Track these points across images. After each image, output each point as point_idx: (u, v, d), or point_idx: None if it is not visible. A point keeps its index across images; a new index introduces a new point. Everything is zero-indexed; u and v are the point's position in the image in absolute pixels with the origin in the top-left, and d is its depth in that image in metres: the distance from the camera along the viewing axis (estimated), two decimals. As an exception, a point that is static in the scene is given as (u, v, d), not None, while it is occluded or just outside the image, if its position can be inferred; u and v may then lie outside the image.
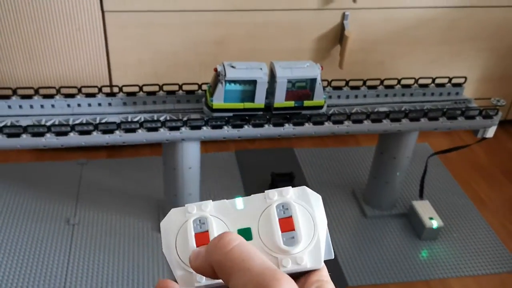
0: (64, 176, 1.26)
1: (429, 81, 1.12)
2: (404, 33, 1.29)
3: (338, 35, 1.25)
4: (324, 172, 1.34)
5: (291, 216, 0.29)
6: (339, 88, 1.08)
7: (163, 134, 0.95)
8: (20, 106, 0.98)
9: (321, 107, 0.98)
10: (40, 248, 1.06)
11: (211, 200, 0.31)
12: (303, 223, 0.29)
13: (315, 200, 0.30)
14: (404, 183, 1.28)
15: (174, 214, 0.31)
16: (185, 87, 1.03)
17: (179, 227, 0.30)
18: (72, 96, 1.00)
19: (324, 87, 0.97)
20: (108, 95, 1.01)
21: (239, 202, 0.31)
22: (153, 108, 1.02)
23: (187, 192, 1.08)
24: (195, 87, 1.02)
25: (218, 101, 0.93)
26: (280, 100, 0.95)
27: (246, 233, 0.30)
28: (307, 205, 0.30)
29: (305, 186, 0.31)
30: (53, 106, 0.99)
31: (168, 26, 1.16)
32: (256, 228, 0.30)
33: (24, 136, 0.91)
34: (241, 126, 0.97)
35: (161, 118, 0.97)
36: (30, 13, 1.08)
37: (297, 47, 1.25)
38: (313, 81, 0.93)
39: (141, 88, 1.02)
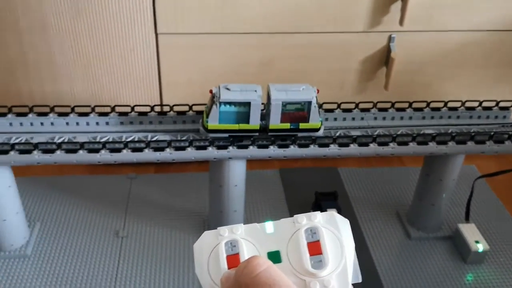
0: (114, 190, 1.31)
1: (476, 104, 1.12)
2: (450, 56, 1.29)
3: (384, 57, 1.26)
4: (368, 192, 1.34)
5: (318, 240, 0.30)
6: (384, 110, 1.09)
7: (211, 152, 0.98)
8: (77, 123, 1.04)
9: (317, 129, 0.99)
10: (91, 259, 1.11)
11: (242, 224, 0.32)
12: (331, 247, 0.30)
13: (343, 224, 0.31)
14: (450, 205, 1.26)
15: (207, 237, 0.32)
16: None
17: (211, 249, 0.32)
18: (125, 114, 1.05)
19: (319, 110, 0.98)
20: (159, 113, 1.06)
21: (269, 226, 0.32)
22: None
23: (232, 209, 1.11)
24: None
25: (213, 122, 0.96)
26: (275, 122, 0.97)
27: (275, 256, 0.31)
28: (334, 230, 0.31)
29: (333, 211, 0.32)
30: (107, 123, 1.05)
31: (216, 47, 1.20)
32: (285, 251, 0.31)
33: (81, 152, 0.96)
34: (287, 146, 0.99)
35: (209, 137, 1.00)
36: (89, 35, 1.14)
37: (342, 68, 1.27)
38: (308, 104, 0.95)
39: (190, 108, 1.06)
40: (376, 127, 1.06)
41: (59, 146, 0.95)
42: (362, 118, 1.09)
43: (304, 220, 0.31)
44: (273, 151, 0.99)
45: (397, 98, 1.10)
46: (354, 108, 1.09)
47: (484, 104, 1.12)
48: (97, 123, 1.04)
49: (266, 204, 1.28)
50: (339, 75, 1.28)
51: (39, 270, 1.07)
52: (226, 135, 0.98)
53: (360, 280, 0.30)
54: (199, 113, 1.05)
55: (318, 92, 0.96)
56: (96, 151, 0.96)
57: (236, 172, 1.04)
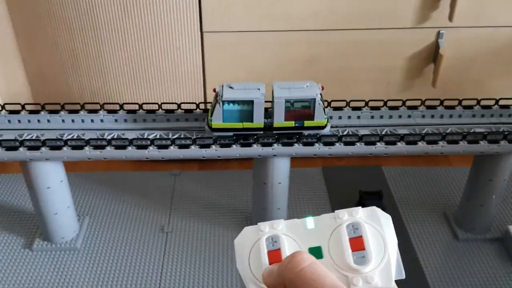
0: (159, 186, 1.33)
1: (530, 101, 1.08)
2: (501, 52, 1.25)
3: (432, 54, 1.23)
4: (414, 192, 1.31)
5: (361, 236, 0.30)
6: (433, 107, 1.06)
7: (256, 149, 0.99)
8: (125, 120, 1.06)
9: (322, 127, 0.96)
10: (137, 253, 1.13)
11: (282, 219, 0.32)
12: (373, 243, 0.30)
13: (385, 220, 0.31)
14: (500, 206, 1.22)
15: (247, 232, 0.32)
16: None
17: (252, 245, 0.32)
18: (171, 111, 1.07)
19: (325, 107, 0.95)
20: (204, 111, 1.07)
21: (309, 221, 0.32)
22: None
23: (275, 207, 1.11)
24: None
25: (217, 121, 0.95)
26: (279, 120, 0.95)
27: (317, 252, 0.31)
28: (377, 225, 0.30)
29: (375, 207, 0.31)
30: (154, 120, 1.06)
31: (262, 45, 1.20)
32: (327, 247, 0.30)
33: (129, 148, 0.98)
34: (332, 144, 0.98)
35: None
36: (137, 34, 1.17)
37: (389, 65, 1.25)
38: (313, 101, 0.93)
39: (235, 105, 1.06)
40: (424, 125, 1.04)
41: (109, 142, 0.98)
42: (409, 116, 1.07)
43: (346, 215, 0.31)
44: (318, 148, 0.98)
45: (445, 96, 1.08)
46: (401, 106, 1.07)
47: (538, 101, 1.07)
48: (144, 120, 1.06)
49: (309, 202, 1.28)
50: (385, 72, 1.26)
51: (88, 263, 1.11)
52: (231, 133, 0.98)
53: (403, 277, 0.29)
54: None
55: (323, 89, 0.95)
56: (145, 147, 0.98)
57: (280, 169, 1.04)
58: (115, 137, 1.00)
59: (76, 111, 1.05)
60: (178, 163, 1.40)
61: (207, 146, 0.99)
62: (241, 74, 1.24)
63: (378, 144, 0.98)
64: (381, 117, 1.07)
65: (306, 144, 0.98)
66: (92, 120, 1.05)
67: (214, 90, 0.95)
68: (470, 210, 1.14)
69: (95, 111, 1.05)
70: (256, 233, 0.32)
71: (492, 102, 1.07)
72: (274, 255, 0.31)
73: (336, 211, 0.31)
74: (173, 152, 0.98)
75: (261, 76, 1.25)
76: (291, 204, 1.25)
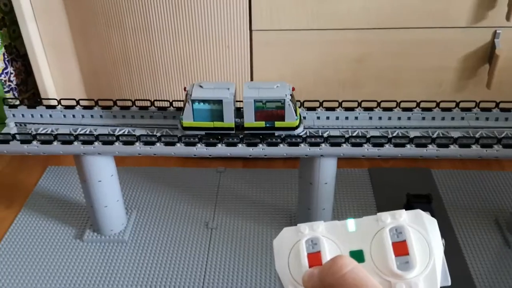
0: (204, 182, 1.35)
1: None
2: None
3: (488, 54, 1.18)
4: (464, 196, 1.27)
5: (405, 240, 0.29)
6: (488, 109, 1.03)
7: (304, 149, 0.98)
8: (174, 117, 1.08)
9: (294, 128, 0.96)
10: (183, 247, 1.15)
11: (322, 221, 0.31)
12: (418, 248, 0.28)
13: (431, 224, 0.29)
14: (557, 215, 1.17)
15: (287, 233, 0.31)
16: (325, 104, 1.06)
17: (291, 246, 0.31)
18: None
19: (296, 108, 0.94)
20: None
21: (351, 224, 0.31)
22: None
23: (320, 207, 1.10)
24: (354, 104, 1.04)
25: (187, 120, 0.96)
26: (250, 120, 0.95)
27: (358, 256, 0.30)
28: (421, 229, 0.29)
29: (419, 210, 0.30)
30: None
31: (310, 44, 1.20)
32: (369, 250, 0.29)
33: (178, 145, 1.00)
34: (381, 145, 0.97)
35: (302, 134, 1.00)
36: (187, 33, 1.18)
37: (441, 65, 1.21)
38: (282, 102, 0.92)
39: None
40: (478, 127, 1.01)
41: (159, 139, 0.99)
42: (463, 118, 1.03)
43: (389, 218, 0.30)
44: (367, 150, 0.97)
45: (500, 98, 1.04)
46: (454, 108, 1.04)
47: None
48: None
49: (354, 203, 1.26)
50: (437, 72, 1.22)
51: (135, 255, 1.13)
52: (202, 132, 0.98)
53: (449, 283, 0.28)
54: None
55: (293, 90, 0.94)
56: (193, 144, 0.99)
57: (327, 169, 1.03)
58: (164, 133, 1.02)
59: (127, 107, 1.07)
60: (223, 161, 1.41)
61: (254, 144, 0.99)
62: (288, 72, 1.24)
63: (430, 146, 0.96)
64: (433, 118, 1.04)
65: (354, 144, 0.97)
66: (142, 116, 1.07)
67: (185, 89, 0.97)
68: (524, 217, 1.10)
69: (145, 108, 1.07)
70: (295, 234, 0.31)
71: (551, 105, 1.03)
72: (314, 258, 0.30)
73: (378, 214, 0.30)
74: (221, 149, 0.99)
75: (308, 74, 1.24)
76: (336, 205, 1.24)
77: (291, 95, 0.95)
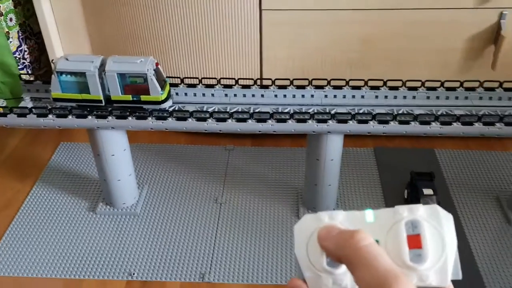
0: (213, 160, 1.38)
1: None
2: None
3: (493, 35, 1.20)
4: (466, 175, 1.30)
5: (419, 234, 0.30)
6: (491, 89, 1.05)
7: (311, 125, 1.01)
8: (186, 94, 1.11)
9: (159, 102, 1.00)
10: (193, 220, 1.19)
11: (342, 210, 0.32)
12: (431, 242, 0.30)
13: (446, 220, 0.30)
14: (557, 193, 1.20)
15: (307, 220, 0.33)
16: (333, 83, 1.08)
17: (311, 233, 0.32)
18: (229, 87, 1.10)
19: (166, 84, 0.99)
20: (261, 87, 1.10)
21: (369, 214, 0.32)
22: (301, 102, 1.08)
23: (327, 183, 1.13)
24: (361, 83, 1.07)
25: (56, 91, 1.00)
26: (116, 93, 0.99)
27: None
28: (437, 225, 0.30)
29: (436, 205, 0.31)
30: (213, 95, 1.11)
31: (318, 24, 1.22)
32: (384, 241, 0.30)
33: (189, 120, 1.03)
34: (386, 122, 0.99)
35: (310, 111, 1.03)
36: (197, 12, 1.21)
37: (447, 46, 1.23)
38: (145, 76, 0.96)
39: (291, 82, 1.09)
40: (482, 106, 1.03)
41: (171, 114, 1.03)
42: (466, 98, 1.06)
43: (406, 212, 0.31)
44: (373, 126, 1.00)
45: (505, 79, 1.06)
46: (458, 87, 1.06)
47: None
48: (203, 94, 1.10)
49: (360, 181, 1.30)
50: (443, 53, 1.24)
51: (147, 227, 1.17)
52: (73, 104, 1.02)
53: (460, 277, 0.30)
54: (299, 87, 1.08)
55: (157, 65, 0.98)
56: (204, 119, 1.02)
57: (333, 146, 1.06)
58: (176, 109, 1.05)
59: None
60: (232, 138, 1.44)
61: (264, 120, 1.02)
62: (296, 52, 1.26)
63: (433, 124, 0.98)
64: (437, 97, 1.07)
65: (360, 121, 1.00)
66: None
67: (52, 61, 0.99)
68: (525, 195, 1.13)
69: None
70: (315, 221, 0.32)
71: (554, 86, 1.05)
72: None
73: (396, 207, 0.31)
74: (231, 125, 1.02)
75: (315, 54, 1.27)
76: (342, 182, 1.27)
77: (154, 70, 0.98)
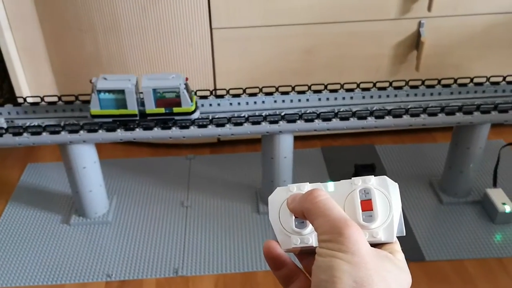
0: (176, 168, 1.49)
1: (500, 79, 1.24)
2: (477, 38, 1.41)
3: (415, 42, 1.39)
4: (403, 165, 1.48)
5: (370, 199, 0.36)
6: (415, 87, 1.22)
7: (265, 127, 1.14)
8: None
9: (190, 113, 1.12)
10: (163, 224, 1.29)
11: (308, 182, 0.38)
12: (380, 205, 0.36)
13: (393, 187, 0.37)
14: (479, 174, 1.38)
15: (279, 191, 0.39)
16: (281, 89, 1.22)
17: (282, 202, 0.38)
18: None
19: (192, 96, 1.10)
20: (217, 97, 1.22)
21: (330, 185, 0.38)
22: (254, 108, 1.22)
23: (282, 179, 1.26)
24: (305, 88, 1.22)
25: (95, 108, 1.10)
26: (150, 107, 1.10)
27: None
28: (385, 191, 0.36)
29: (385, 176, 0.37)
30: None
31: (264, 38, 1.36)
32: (343, 206, 0.36)
33: (155, 129, 1.14)
34: (329, 120, 1.14)
35: (263, 114, 1.17)
36: (154, 33, 1.32)
37: (377, 53, 1.41)
38: (177, 90, 1.09)
39: (244, 91, 1.22)
40: (409, 102, 1.20)
41: (138, 124, 1.13)
42: (396, 96, 1.23)
43: (360, 182, 0.37)
44: (318, 124, 1.14)
45: (427, 77, 1.24)
46: (388, 87, 1.23)
47: (508, 79, 1.23)
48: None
49: (311, 176, 1.44)
50: (374, 59, 1.42)
51: (120, 232, 1.26)
52: (110, 119, 1.12)
53: (404, 234, 0.36)
54: (251, 95, 1.22)
55: (187, 80, 1.10)
56: (168, 128, 1.14)
57: (285, 144, 1.20)
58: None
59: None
60: (192, 149, 1.56)
61: (222, 125, 1.14)
62: (246, 65, 1.40)
63: (369, 118, 1.14)
64: (371, 97, 1.23)
65: (307, 120, 1.14)
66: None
67: (91, 81, 1.10)
68: (452, 177, 1.31)
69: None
70: (286, 192, 0.38)
71: (467, 81, 1.24)
72: None
73: (352, 178, 0.37)
74: (193, 131, 1.14)
75: (264, 65, 1.41)
76: (295, 178, 1.40)
77: (185, 84, 1.10)
